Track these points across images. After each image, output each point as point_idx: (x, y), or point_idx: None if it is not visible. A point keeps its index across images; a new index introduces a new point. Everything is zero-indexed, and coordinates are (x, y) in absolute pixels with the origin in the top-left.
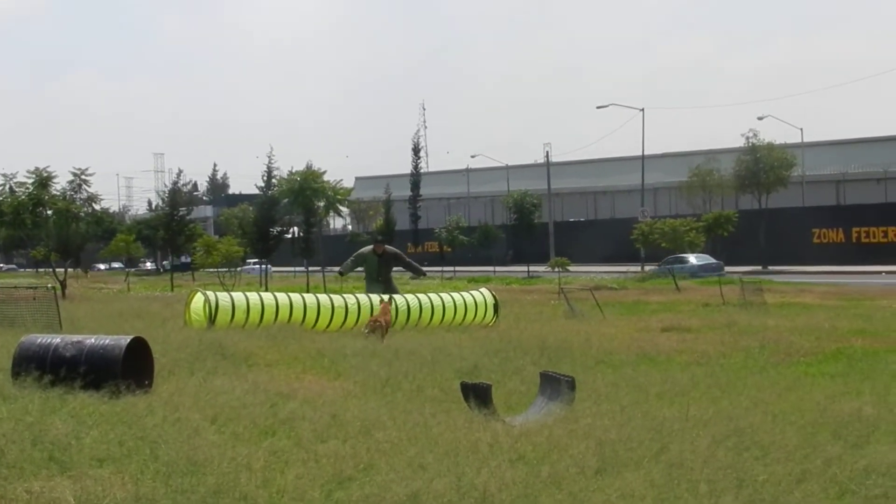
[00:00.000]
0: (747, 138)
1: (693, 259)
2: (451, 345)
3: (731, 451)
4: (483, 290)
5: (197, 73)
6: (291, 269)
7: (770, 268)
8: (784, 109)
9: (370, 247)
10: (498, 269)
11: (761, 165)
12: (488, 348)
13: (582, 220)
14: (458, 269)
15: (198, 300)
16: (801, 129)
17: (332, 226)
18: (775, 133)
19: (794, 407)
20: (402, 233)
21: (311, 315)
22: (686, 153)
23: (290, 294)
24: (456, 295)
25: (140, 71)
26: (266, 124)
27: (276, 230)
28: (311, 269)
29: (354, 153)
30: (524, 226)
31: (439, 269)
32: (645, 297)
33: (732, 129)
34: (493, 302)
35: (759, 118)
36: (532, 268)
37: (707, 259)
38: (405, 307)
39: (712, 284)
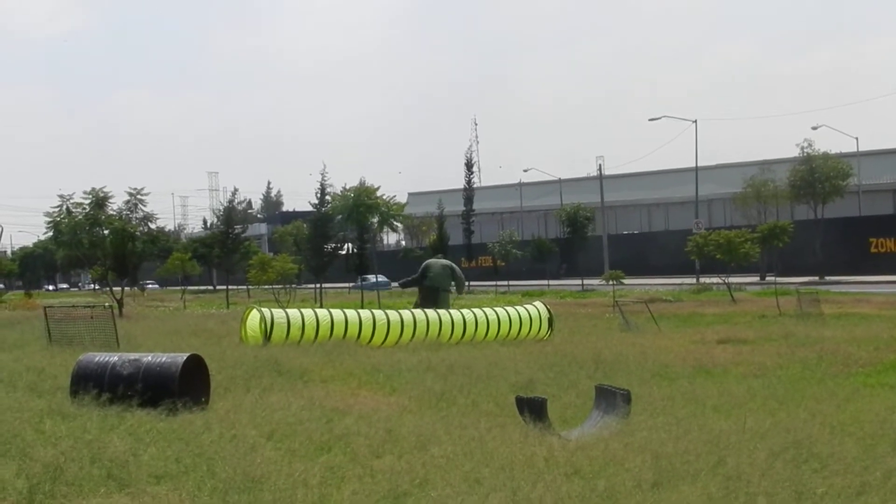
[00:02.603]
0: (802, 148)
1: (372, 277)
2: (505, 359)
3: (790, 463)
4: (537, 303)
5: (250, 91)
6: (346, 285)
7: (827, 278)
8: (839, 118)
9: (435, 259)
10: (552, 282)
11: (817, 175)
12: (543, 362)
13: (636, 232)
14: (511, 283)
15: (253, 317)
16: (857, 138)
17: (385, 241)
18: (830, 142)
19: (852, 418)
20: (456, 248)
21: (367, 331)
22: (740, 164)
23: (346, 310)
24: (510, 309)
25: (193, 89)
26: (319, 142)
27: (330, 247)
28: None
29: (407, 169)
30: (578, 239)
31: (493, 283)
32: (700, 309)
33: (786, 139)
34: (548, 316)
35: (814, 128)
36: (586, 281)
37: (383, 278)
38: (461, 322)
39: (769, 296)
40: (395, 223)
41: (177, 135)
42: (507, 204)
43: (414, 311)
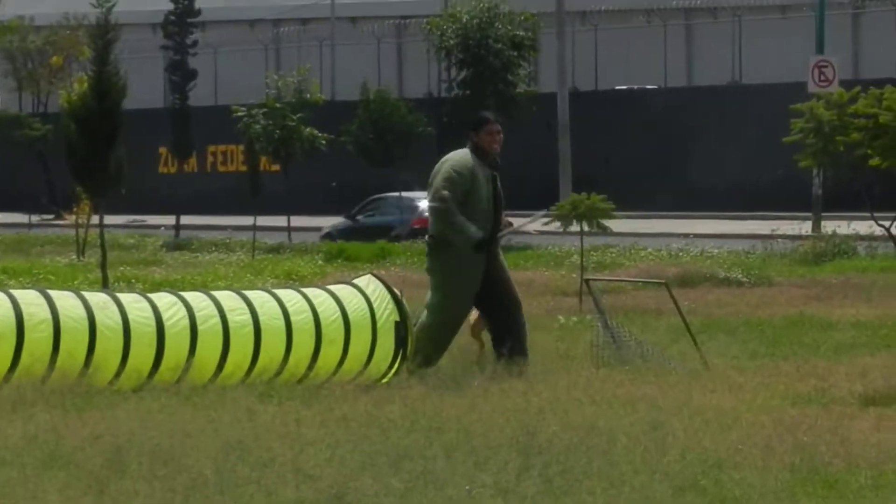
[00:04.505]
0: None
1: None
2: (269, 433)
3: None
4: (366, 280)
5: None
6: None
7: None
8: None
9: (463, 152)
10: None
11: None
12: (374, 448)
13: (649, 87)
14: (298, 220)
15: None
16: None
17: None
18: None
19: None
20: (149, 117)
21: None
22: None
23: None
24: (290, 296)
25: None
26: None
27: None
28: None
29: None
30: (487, 99)
31: (248, 221)
32: (820, 303)
33: None
34: (394, 316)
35: None
36: (513, 218)
37: None
38: (149, 327)
39: None
40: None
41: None
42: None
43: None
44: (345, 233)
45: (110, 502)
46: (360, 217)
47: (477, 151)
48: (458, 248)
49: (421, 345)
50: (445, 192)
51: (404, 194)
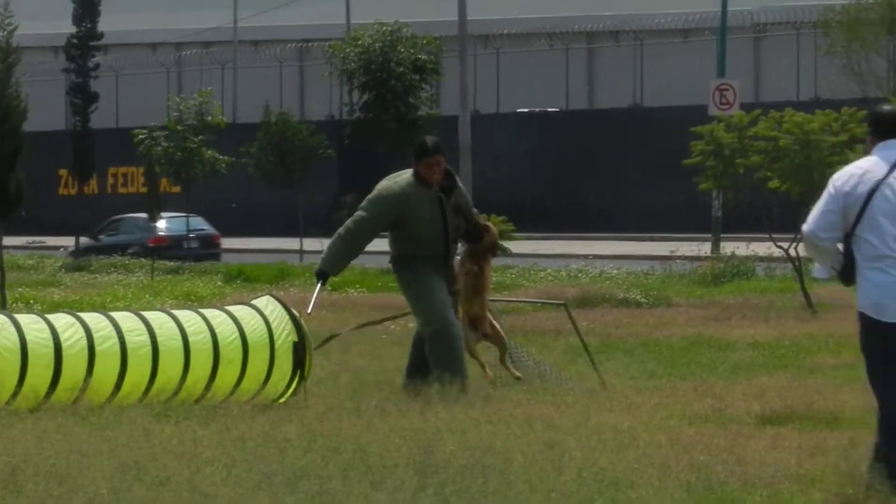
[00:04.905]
0: None
1: None
2: (166, 452)
3: None
4: (266, 300)
5: None
6: None
7: None
8: None
9: (408, 173)
10: (320, 244)
11: None
12: (271, 468)
13: (551, 110)
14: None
15: None
16: None
17: None
18: None
19: None
20: (50, 139)
21: None
22: None
23: None
24: (189, 317)
25: None
26: None
27: None
28: None
29: None
30: (388, 122)
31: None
32: (718, 323)
33: None
34: (292, 336)
35: None
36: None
37: None
38: (49, 348)
39: None
40: None
41: None
42: (196, 21)
43: None
44: (88, 251)
45: None
46: (101, 236)
47: (417, 177)
48: (410, 261)
49: (439, 362)
50: (358, 213)
51: (141, 215)
